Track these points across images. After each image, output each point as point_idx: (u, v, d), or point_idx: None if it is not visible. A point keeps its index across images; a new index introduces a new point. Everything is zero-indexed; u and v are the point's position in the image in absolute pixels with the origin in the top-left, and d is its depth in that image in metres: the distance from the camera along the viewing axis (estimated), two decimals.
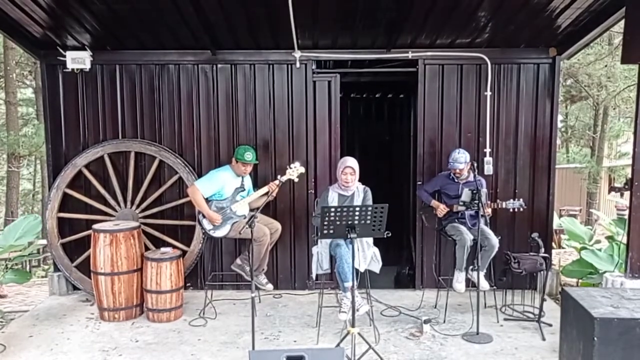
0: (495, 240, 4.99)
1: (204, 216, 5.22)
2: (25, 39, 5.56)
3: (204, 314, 5.33)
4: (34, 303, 6.21)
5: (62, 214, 5.91)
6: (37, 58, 6.01)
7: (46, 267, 9.04)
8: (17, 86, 14.33)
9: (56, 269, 6.07)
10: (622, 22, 4.83)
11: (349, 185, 4.81)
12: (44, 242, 7.11)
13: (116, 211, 5.92)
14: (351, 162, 4.84)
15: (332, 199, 4.85)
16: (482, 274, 4.98)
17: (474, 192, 4.90)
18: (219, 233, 5.24)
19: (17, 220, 6.52)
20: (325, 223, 4.04)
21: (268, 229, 5.22)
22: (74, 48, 5.72)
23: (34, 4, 4.73)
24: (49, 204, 5.86)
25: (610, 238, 6.54)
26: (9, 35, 5.48)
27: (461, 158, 5.18)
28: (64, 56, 5.69)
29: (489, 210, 5.14)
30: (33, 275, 7.80)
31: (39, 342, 4.78)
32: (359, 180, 4.95)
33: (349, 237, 4.07)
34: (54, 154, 5.98)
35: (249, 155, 5.24)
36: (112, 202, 5.92)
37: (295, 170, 5.16)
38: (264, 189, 5.22)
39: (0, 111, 16.83)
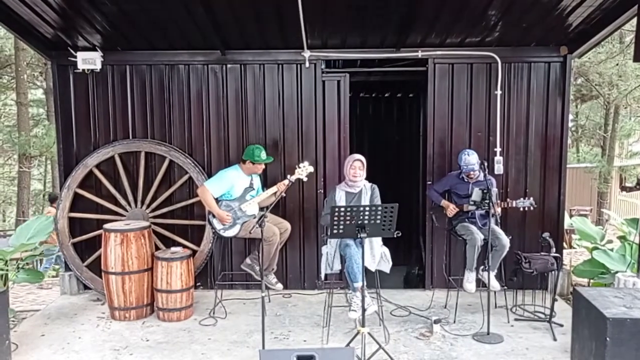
0: (506, 240, 4.97)
1: (214, 216, 5.23)
2: (37, 39, 5.60)
3: (214, 313, 5.34)
4: (45, 302, 6.26)
5: (73, 214, 5.95)
6: (48, 59, 6.05)
7: (57, 266, 9.10)
8: (28, 87, 14.45)
9: (67, 269, 6.11)
10: (634, 20, 4.79)
11: (357, 180, 4.80)
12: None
13: (127, 211, 5.95)
14: (359, 156, 4.85)
15: (340, 197, 4.85)
16: (492, 274, 4.95)
17: (485, 191, 4.87)
18: (229, 233, 5.26)
19: (29, 221, 6.56)
20: (335, 223, 4.04)
21: (278, 229, 5.22)
22: (85, 49, 5.76)
23: (45, 5, 4.78)
24: (60, 203, 5.90)
25: (622, 238, 6.49)
26: (21, 36, 5.52)
27: (473, 159, 5.16)
28: (75, 57, 5.73)
29: (498, 210, 5.11)
30: (44, 275, 7.84)
31: (51, 341, 4.81)
32: (368, 179, 4.95)
33: (358, 236, 4.07)
34: (65, 154, 6.02)
35: (263, 154, 5.27)
36: (122, 201, 5.95)
37: (304, 170, 5.16)
38: (273, 189, 5.23)
39: (12, 112, 16.99)
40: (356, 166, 4.79)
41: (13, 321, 5.26)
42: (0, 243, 6.31)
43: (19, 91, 13.11)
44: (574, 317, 4.09)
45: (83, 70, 5.82)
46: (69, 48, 5.73)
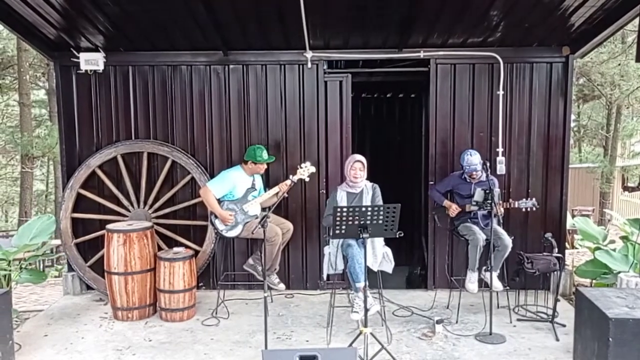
0: (508, 240, 4.97)
1: (216, 217, 5.24)
2: (40, 40, 5.61)
3: (216, 313, 5.35)
4: (48, 303, 6.27)
5: (76, 214, 5.96)
6: (51, 60, 6.06)
7: (59, 267, 9.13)
8: (31, 88, 14.46)
9: (70, 269, 6.12)
10: (636, 20, 4.79)
11: (358, 181, 4.80)
12: (58, 242, 7.17)
13: (129, 211, 5.96)
14: (360, 157, 4.85)
15: (341, 198, 4.85)
16: (495, 274, 4.95)
17: (487, 191, 4.87)
18: (231, 233, 5.26)
19: (31, 221, 6.58)
20: (338, 223, 4.04)
21: (280, 229, 5.22)
22: (88, 49, 5.76)
23: (48, 6, 4.79)
24: (63, 204, 5.91)
25: (624, 238, 6.49)
26: (24, 37, 5.53)
27: (475, 160, 5.16)
28: (78, 58, 5.74)
29: (501, 210, 5.10)
30: (47, 275, 7.86)
31: (54, 341, 4.82)
32: (370, 180, 4.95)
33: (361, 237, 4.08)
34: (67, 155, 6.03)
35: (265, 154, 5.27)
36: (125, 202, 5.96)
37: (306, 170, 5.17)
38: (275, 189, 5.24)
39: (14, 113, 17.01)
40: (357, 167, 4.80)
41: (16, 321, 5.27)
42: (3, 243, 6.33)
43: (21, 92, 13.13)
44: (576, 318, 4.09)
45: (86, 71, 5.83)
46: (71, 49, 5.74)
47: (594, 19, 5.15)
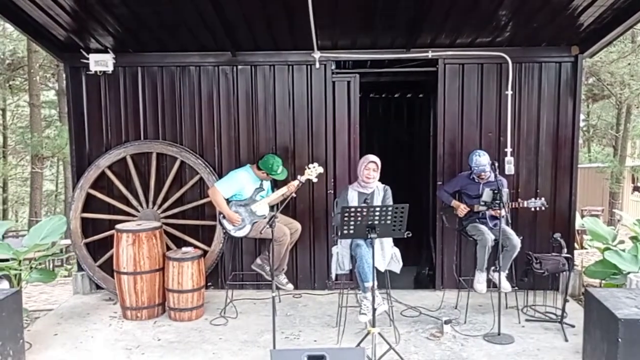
0: (516, 241, 4.95)
1: (224, 217, 5.26)
2: (50, 42, 5.66)
3: (224, 313, 5.37)
4: (57, 302, 6.31)
5: (85, 214, 6.00)
6: (61, 61, 6.11)
7: (69, 266, 9.19)
8: (41, 88, 14.58)
9: (80, 269, 6.16)
10: None
11: (370, 181, 4.81)
12: (68, 241, 7.22)
13: (138, 211, 5.99)
14: (374, 158, 4.84)
15: (352, 197, 4.85)
16: (503, 274, 4.93)
17: (495, 192, 4.86)
18: (239, 233, 5.28)
19: (42, 221, 6.62)
20: (346, 223, 4.05)
21: (288, 229, 5.24)
22: (97, 51, 5.80)
23: (58, 8, 4.82)
24: (73, 204, 5.95)
25: (634, 238, 6.44)
26: (34, 39, 5.58)
27: (484, 160, 5.14)
28: (87, 59, 5.78)
29: (502, 212, 5.03)
30: (57, 275, 7.91)
31: (64, 340, 4.86)
32: (378, 179, 4.95)
33: (369, 237, 4.08)
34: (77, 155, 6.08)
35: (280, 169, 5.25)
36: (134, 202, 5.99)
37: (313, 170, 5.17)
38: (283, 189, 5.25)
39: (24, 113, 17.16)
40: (370, 167, 4.80)
41: (26, 320, 5.31)
42: (14, 243, 6.38)
43: (31, 93, 13.26)
44: (585, 318, 4.08)
45: (95, 72, 5.86)
46: (81, 50, 5.78)
47: (604, 19, 5.13)
